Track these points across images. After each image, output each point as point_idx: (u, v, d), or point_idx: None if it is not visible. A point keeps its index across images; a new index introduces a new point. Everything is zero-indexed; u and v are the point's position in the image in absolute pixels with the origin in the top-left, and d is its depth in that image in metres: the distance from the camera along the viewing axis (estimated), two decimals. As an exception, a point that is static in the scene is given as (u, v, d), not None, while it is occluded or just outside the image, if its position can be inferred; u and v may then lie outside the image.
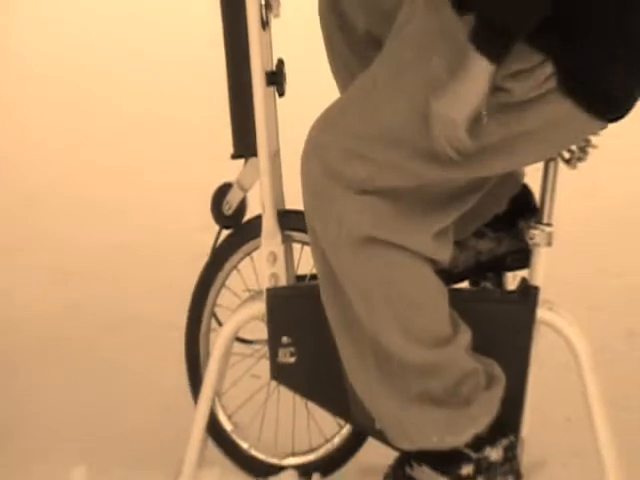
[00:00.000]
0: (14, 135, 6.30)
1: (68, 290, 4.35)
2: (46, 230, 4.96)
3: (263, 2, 2.71)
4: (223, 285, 2.87)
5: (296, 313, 2.77)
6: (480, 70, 2.35)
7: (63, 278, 4.41)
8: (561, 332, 2.70)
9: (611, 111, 2.53)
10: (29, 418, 3.46)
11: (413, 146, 2.49)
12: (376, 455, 2.82)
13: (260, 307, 2.72)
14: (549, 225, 2.65)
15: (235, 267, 2.86)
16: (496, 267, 2.84)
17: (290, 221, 2.76)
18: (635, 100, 2.56)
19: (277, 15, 2.74)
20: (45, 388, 3.62)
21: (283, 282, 2.74)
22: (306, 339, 2.76)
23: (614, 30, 2.52)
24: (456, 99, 2.40)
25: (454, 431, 2.61)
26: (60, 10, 8.05)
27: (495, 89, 2.39)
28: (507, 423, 2.66)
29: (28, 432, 3.40)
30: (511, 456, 2.67)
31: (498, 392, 2.63)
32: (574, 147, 2.68)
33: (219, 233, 2.84)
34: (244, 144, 2.78)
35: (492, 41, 2.37)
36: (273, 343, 2.75)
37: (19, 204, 5.42)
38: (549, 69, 2.42)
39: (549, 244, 2.66)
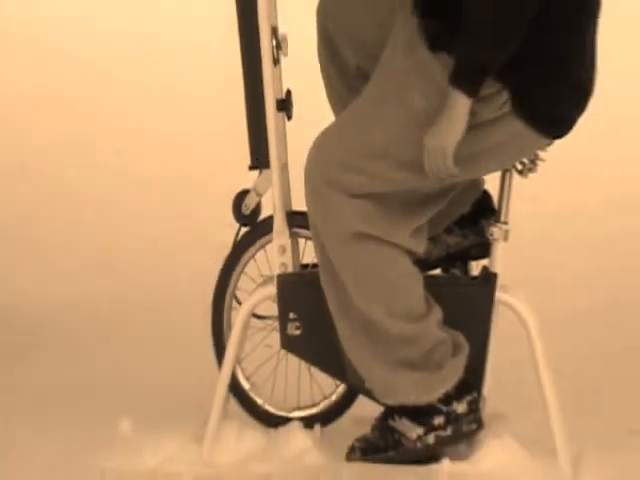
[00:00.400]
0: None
1: (117, 277, 4.36)
2: (95, 227, 4.92)
3: (274, 44, 2.75)
4: (242, 271, 2.94)
5: (301, 294, 2.82)
6: (462, 106, 2.40)
7: (112, 265, 4.43)
8: (515, 310, 2.76)
9: (555, 130, 2.59)
10: (91, 379, 3.49)
11: (396, 160, 2.52)
12: (366, 409, 2.85)
13: (272, 290, 2.80)
14: (505, 223, 2.72)
15: (252, 257, 2.95)
16: (462, 257, 2.88)
17: (296, 220, 2.83)
18: (574, 122, 2.62)
19: (285, 54, 2.78)
20: (103, 357, 3.67)
21: (290, 269, 2.81)
22: (309, 315, 2.81)
23: (557, 68, 2.53)
24: (445, 133, 2.43)
25: (428, 390, 2.68)
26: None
27: None
28: (471, 383, 2.73)
29: (91, 390, 3.40)
30: (474, 409, 2.72)
31: (463, 358, 2.69)
32: (525, 160, 2.74)
33: (239, 230, 2.91)
34: (259, 158, 2.83)
35: (470, 80, 2.40)
36: (282, 319, 2.81)
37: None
38: (505, 95, 2.46)
39: (505, 239, 2.73)
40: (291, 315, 2.80)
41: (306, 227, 2.74)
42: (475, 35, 2.39)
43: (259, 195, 2.82)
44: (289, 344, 2.79)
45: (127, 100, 6.35)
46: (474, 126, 2.44)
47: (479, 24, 2.41)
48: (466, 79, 2.39)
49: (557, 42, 2.51)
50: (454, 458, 2.69)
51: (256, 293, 2.81)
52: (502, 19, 2.41)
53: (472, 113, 2.43)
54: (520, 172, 2.72)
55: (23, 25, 7.46)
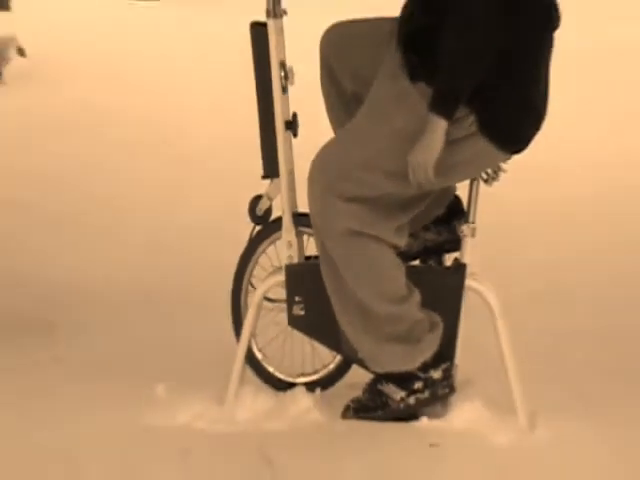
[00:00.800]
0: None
1: (162, 260, 4.21)
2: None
3: (283, 75, 2.74)
4: (256, 262, 2.97)
5: (305, 281, 2.86)
6: (441, 128, 2.45)
7: (159, 251, 4.34)
8: (481, 294, 2.80)
9: (515, 147, 2.62)
10: (132, 351, 3.40)
11: (384, 171, 2.56)
12: (358, 376, 2.85)
13: (281, 277, 2.85)
14: (473, 223, 2.75)
15: (264, 251, 2.96)
16: (438, 251, 2.89)
17: (301, 220, 2.85)
18: (531, 140, 2.63)
19: (292, 83, 2.79)
20: (142, 331, 3.57)
21: (296, 261, 2.85)
22: (311, 299, 2.84)
23: (517, 95, 2.55)
24: (427, 150, 2.47)
25: (410, 360, 2.71)
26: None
27: None
28: (445, 354, 2.78)
29: (131, 360, 3.29)
30: (448, 376, 2.75)
31: (438, 334, 2.72)
32: (490, 171, 2.76)
33: (253, 228, 2.93)
34: (270, 169, 2.85)
35: (447, 107, 2.44)
36: (289, 301, 2.85)
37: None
38: (472, 118, 2.51)
39: (473, 235, 2.76)
40: (296, 298, 2.84)
41: (309, 226, 2.77)
42: (450, 72, 2.44)
43: (270, 199, 2.86)
44: (294, 322, 2.84)
45: (175, 111, 6.29)
46: (448, 143, 2.49)
47: (453, 64, 2.45)
48: (444, 106, 2.45)
49: (518, 74, 2.54)
50: (431, 417, 2.75)
51: (268, 280, 2.86)
52: (470, 60, 2.45)
53: (446, 133, 2.48)
54: (485, 181, 2.77)
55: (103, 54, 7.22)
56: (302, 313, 2.81)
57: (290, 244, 2.75)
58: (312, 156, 2.68)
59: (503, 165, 2.66)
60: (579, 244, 4.36)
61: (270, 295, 2.87)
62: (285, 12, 2.68)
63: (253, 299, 2.82)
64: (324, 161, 2.57)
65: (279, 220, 2.78)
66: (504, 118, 2.50)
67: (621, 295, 3.87)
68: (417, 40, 2.49)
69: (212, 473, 2.52)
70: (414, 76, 2.45)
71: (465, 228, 2.65)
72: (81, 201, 4.79)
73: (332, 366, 2.87)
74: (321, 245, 2.62)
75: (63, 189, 4.92)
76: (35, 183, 4.92)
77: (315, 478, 2.50)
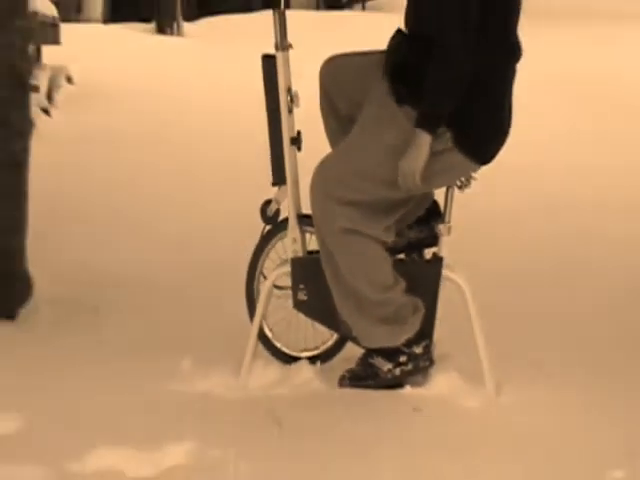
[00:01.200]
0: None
1: (188, 255, 4.06)
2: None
3: (289, 99, 2.73)
4: (267, 256, 2.96)
5: (307, 271, 2.85)
6: (426, 141, 2.52)
7: (186, 246, 4.24)
8: (455, 282, 2.80)
9: (484, 160, 2.67)
10: (161, 330, 3.27)
11: (375, 178, 2.61)
12: (352, 351, 2.84)
13: (287, 268, 2.85)
14: (448, 223, 2.78)
15: (273, 246, 2.95)
16: (419, 246, 2.90)
17: (304, 221, 2.85)
18: (497, 153, 2.66)
19: (298, 105, 2.79)
20: (169, 314, 3.45)
21: (300, 254, 2.84)
22: (313, 286, 2.83)
23: (486, 116, 2.60)
24: (415, 160, 2.53)
25: (396, 338, 2.73)
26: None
27: None
28: (425, 332, 2.80)
29: (160, 339, 3.20)
30: (428, 351, 2.77)
31: (420, 315, 2.73)
32: (463, 179, 2.77)
33: (264, 227, 2.93)
34: (279, 178, 2.84)
35: (432, 124, 2.50)
36: (294, 288, 2.84)
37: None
38: (449, 134, 2.58)
39: (449, 233, 2.79)
40: (300, 286, 2.83)
41: (311, 225, 2.79)
42: (434, 98, 2.54)
43: (278, 203, 2.87)
44: (299, 306, 2.84)
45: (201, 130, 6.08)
46: (429, 155, 2.56)
47: (437, 91, 2.52)
48: (429, 124, 2.54)
49: (487, 100, 2.62)
50: (413, 385, 2.77)
51: (276, 271, 2.88)
52: (450, 89, 2.52)
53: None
54: (459, 187, 2.83)
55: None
56: (305, 298, 2.82)
57: (295, 240, 2.79)
58: (313, 167, 2.72)
59: (474, 174, 2.76)
60: (530, 240, 4.42)
61: (278, 283, 2.88)
62: (291, 46, 2.80)
63: (264, 287, 2.86)
64: (324, 171, 2.70)
65: (286, 220, 2.81)
66: (475, 136, 2.65)
67: (568, 279, 3.89)
68: (403, 71, 2.65)
69: (228, 431, 2.52)
70: (400, 100, 2.61)
71: (442, 227, 2.80)
72: (123, 200, 4.82)
73: (330, 342, 2.90)
74: (321, 241, 2.71)
75: (110, 190, 4.94)
76: (86, 184, 4.99)
77: (315, 433, 2.52)
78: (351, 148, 2.62)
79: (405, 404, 2.65)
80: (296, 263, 2.76)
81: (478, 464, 2.35)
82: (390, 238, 2.67)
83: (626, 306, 3.60)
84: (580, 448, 2.47)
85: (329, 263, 2.67)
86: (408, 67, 2.58)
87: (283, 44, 2.71)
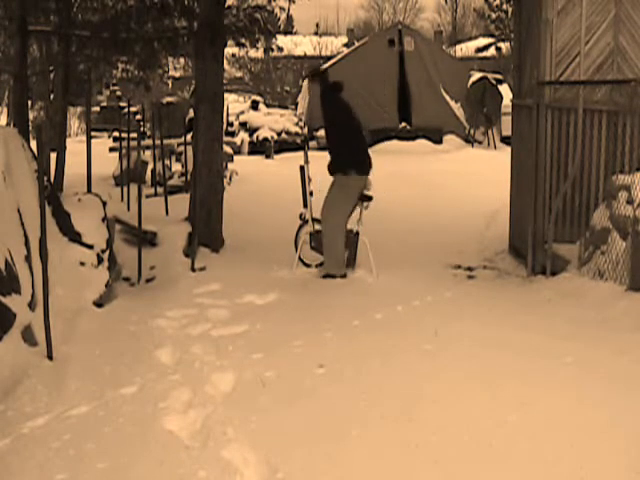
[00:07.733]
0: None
1: (277, 230, 8.53)
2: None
3: (308, 181, 6.54)
4: (301, 231, 6.96)
5: (315, 237, 6.92)
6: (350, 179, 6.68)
7: (278, 226, 8.67)
8: (363, 241, 6.62)
9: (358, 176, 6.64)
10: (265, 255, 7.54)
11: (342, 207, 6.55)
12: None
13: (308, 236, 6.91)
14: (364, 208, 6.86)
15: (303, 228, 6.87)
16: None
17: (315, 220, 6.77)
18: (366, 174, 6.71)
19: (311, 186, 6.56)
20: (268, 249, 7.83)
21: (312, 232, 6.88)
22: (316, 242, 6.89)
23: (356, 160, 6.50)
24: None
25: (339, 269, 6.61)
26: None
27: None
28: (350, 262, 6.77)
29: (263, 259, 7.46)
30: (353, 267, 6.80)
31: (345, 260, 6.48)
32: (365, 203, 6.63)
33: (300, 224, 6.94)
34: (305, 204, 6.78)
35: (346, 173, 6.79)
36: (310, 241, 6.91)
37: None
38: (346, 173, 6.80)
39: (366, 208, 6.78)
40: (312, 243, 6.87)
41: (318, 222, 6.57)
42: (341, 166, 6.49)
43: (304, 214, 6.85)
44: (311, 247, 6.93)
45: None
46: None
47: (343, 162, 6.39)
48: (345, 173, 6.64)
49: (350, 151, 6.45)
50: (348, 276, 6.90)
51: (304, 236, 6.96)
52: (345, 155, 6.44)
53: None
54: (365, 207, 6.68)
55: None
56: (313, 245, 6.78)
57: (311, 227, 6.72)
58: (317, 202, 6.57)
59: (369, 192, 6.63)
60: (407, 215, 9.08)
61: (305, 240, 6.84)
62: (308, 162, 6.79)
63: (300, 239, 6.79)
64: (326, 209, 6.46)
65: (307, 220, 6.72)
66: (353, 169, 6.36)
67: (418, 233, 8.34)
68: (330, 166, 6.57)
69: (289, 289, 6.34)
70: (359, 172, 6.54)
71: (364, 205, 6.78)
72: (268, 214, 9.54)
73: (320, 261, 6.57)
74: (323, 226, 6.48)
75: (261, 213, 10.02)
76: (253, 209, 10.21)
77: (321, 291, 6.20)
78: (329, 198, 6.30)
79: (347, 282, 6.34)
80: (311, 234, 6.62)
81: (371, 299, 6.18)
82: (346, 223, 6.27)
83: (441, 241, 7.95)
84: (419, 294, 6.17)
85: (324, 235, 6.24)
86: (331, 163, 6.31)
87: (306, 161, 6.59)
